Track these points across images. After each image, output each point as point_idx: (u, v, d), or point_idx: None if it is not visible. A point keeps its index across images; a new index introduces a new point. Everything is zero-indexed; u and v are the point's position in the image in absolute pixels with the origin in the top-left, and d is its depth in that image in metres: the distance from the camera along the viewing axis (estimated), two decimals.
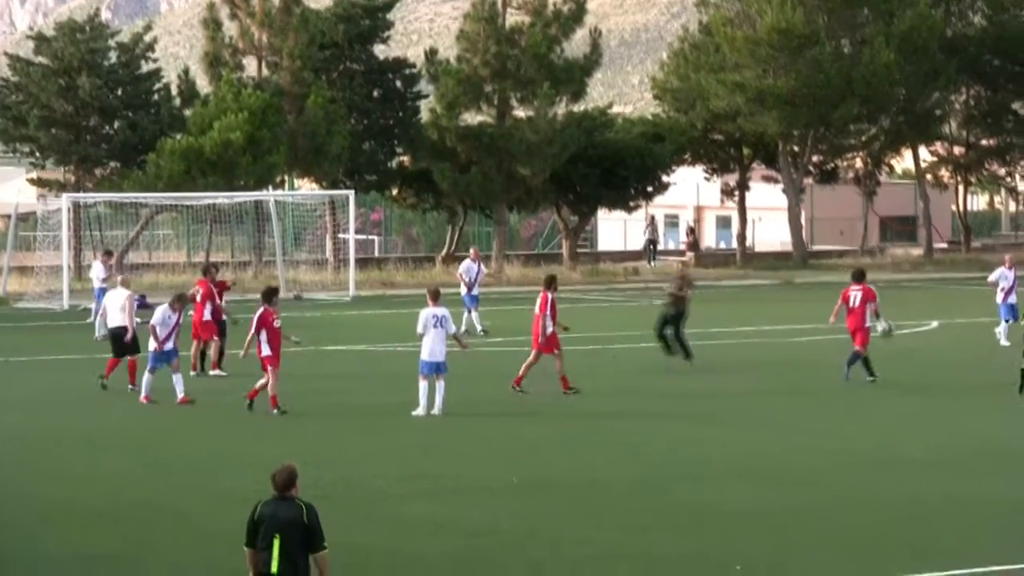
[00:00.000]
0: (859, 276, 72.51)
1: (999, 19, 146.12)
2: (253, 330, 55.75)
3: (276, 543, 22.94)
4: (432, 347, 55.72)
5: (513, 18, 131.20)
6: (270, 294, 57.98)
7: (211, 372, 66.62)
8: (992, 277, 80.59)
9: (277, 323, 56.42)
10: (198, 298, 70.65)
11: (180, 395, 58.97)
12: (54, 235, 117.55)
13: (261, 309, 56.35)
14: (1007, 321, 70.79)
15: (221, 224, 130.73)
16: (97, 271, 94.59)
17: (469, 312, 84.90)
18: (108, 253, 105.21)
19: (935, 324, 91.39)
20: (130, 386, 63.94)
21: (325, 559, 23.06)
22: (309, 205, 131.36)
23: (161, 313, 61.33)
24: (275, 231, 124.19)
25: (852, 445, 52.86)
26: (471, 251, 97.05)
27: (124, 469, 46.93)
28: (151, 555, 34.42)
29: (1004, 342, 69.28)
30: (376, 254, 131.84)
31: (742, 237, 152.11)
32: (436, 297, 57.99)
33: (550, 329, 63.04)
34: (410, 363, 58.43)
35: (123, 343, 66.02)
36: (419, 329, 56.22)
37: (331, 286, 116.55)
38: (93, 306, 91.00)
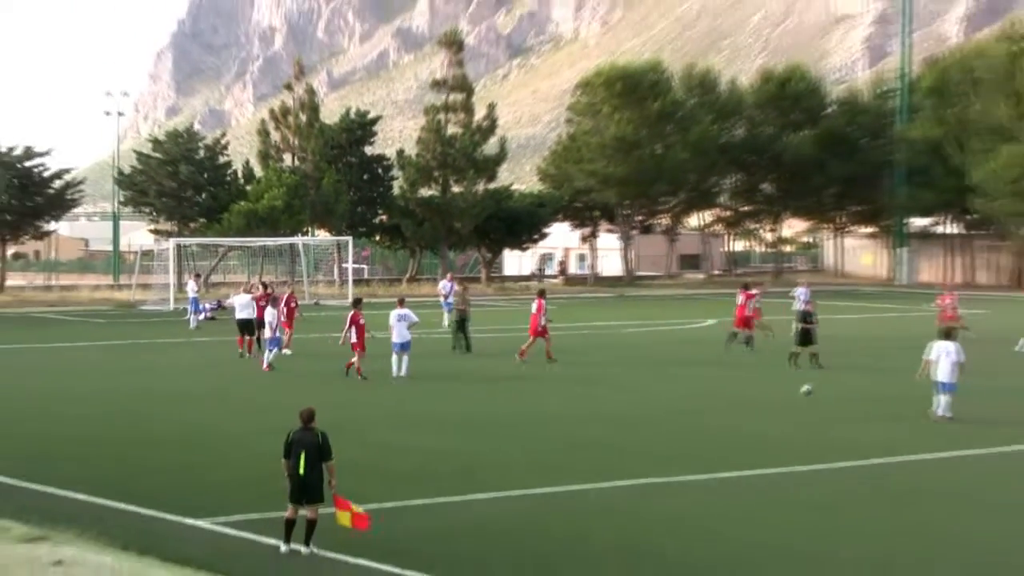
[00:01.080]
0: (745, 286, 76.88)
1: (753, 131, 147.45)
2: (347, 325, 59.80)
3: (302, 456, 26.34)
4: (398, 333, 60.13)
5: (451, 130, 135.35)
6: (357, 301, 64.13)
7: (284, 351, 67.18)
8: (794, 291, 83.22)
9: (362, 320, 60.08)
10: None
11: (264, 365, 62.49)
12: (164, 264, 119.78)
13: (352, 311, 61.02)
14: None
15: (269, 258, 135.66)
16: (191, 287, 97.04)
17: (446, 313, 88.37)
18: (198, 275, 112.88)
19: (712, 321, 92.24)
20: (243, 353, 69.09)
21: (332, 467, 26.63)
22: (323, 246, 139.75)
23: (270, 313, 64.25)
24: (303, 262, 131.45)
25: (668, 398, 55.04)
26: (448, 275, 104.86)
27: (209, 410, 49.65)
28: (220, 463, 37.02)
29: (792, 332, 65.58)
30: (365, 276, 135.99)
31: (593, 266, 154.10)
32: (401, 302, 63.22)
33: (543, 321, 67.71)
34: (387, 345, 60.19)
35: (246, 326, 70.46)
36: (391, 322, 60.22)
37: (337, 296, 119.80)
38: (189, 308, 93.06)
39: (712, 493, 34.12)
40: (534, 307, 69.57)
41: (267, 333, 63.77)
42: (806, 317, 64.35)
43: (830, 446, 41.06)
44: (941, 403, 46.03)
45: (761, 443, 41.82)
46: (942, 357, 46.17)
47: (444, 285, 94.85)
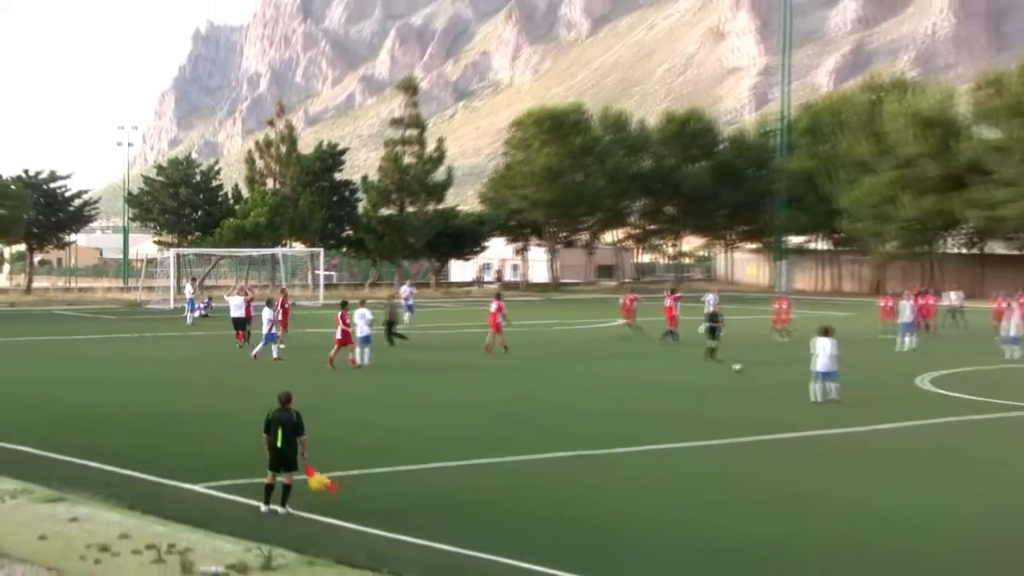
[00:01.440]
0: (672, 290, 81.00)
1: (658, 163, 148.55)
2: (338, 322, 59.42)
3: (280, 432, 26.48)
4: (360, 328, 59.66)
5: (407, 160, 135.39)
6: (344, 304, 61.65)
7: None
8: (705, 297, 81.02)
9: (347, 319, 59.59)
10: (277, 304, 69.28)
11: (274, 355, 61.85)
12: (166, 270, 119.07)
13: (340, 312, 59.93)
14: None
15: (253, 266, 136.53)
16: (188, 290, 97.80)
17: (410, 313, 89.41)
18: (194, 280, 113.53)
19: (620, 322, 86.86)
20: (241, 345, 68.65)
21: (305, 441, 26.71)
22: (299, 256, 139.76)
23: (267, 312, 63.92)
24: (282, 269, 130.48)
25: (588, 384, 53.93)
26: (408, 281, 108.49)
27: (203, 393, 49.09)
28: (212, 437, 36.69)
29: (701, 330, 65.49)
30: (334, 282, 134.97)
31: (524, 274, 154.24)
32: (363, 303, 63.63)
33: (501, 320, 68.21)
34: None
35: (238, 323, 71.30)
36: (354, 320, 59.47)
37: (311, 299, 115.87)
38: (186, 307, 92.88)
39: (628, 462, 34.02)
40: (492, 307, 69.86)
41: (264, 329, 63.23)
42: (713, 317, 64.38)
43: (725, 424, 40.46)
44: (819, 390, 46.18)
45: (666, 421, 41.56)
46: (821, 351, 46.60)
47: (405, 290, 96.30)
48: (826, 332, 48.21)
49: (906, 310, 72.36)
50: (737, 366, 51.21)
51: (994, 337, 67.83)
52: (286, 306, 70.73)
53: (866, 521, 26.78)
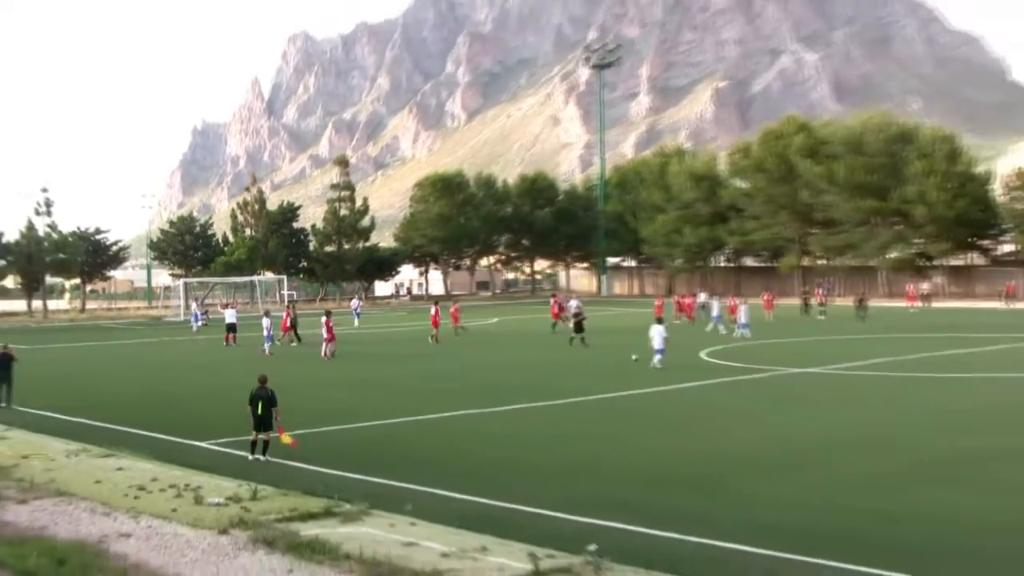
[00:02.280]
0: (554, 293, 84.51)
1: (517, 211, 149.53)
2: (324, 327, 57.34)
3: (260, 404, 26.33)
4: (323, 331, 57.51)
5: (342, 212, 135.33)
6: (328, 313, 59.70)
7: (278, 343, 64.84)
8: (569, 303, 78.30)
9: (331, 323, 57.91)
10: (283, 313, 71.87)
11: (266, 352, 60.05)
12: (177, 293, 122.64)
13: (324, 317, 58.40)
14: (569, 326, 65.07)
15: (238, 289, 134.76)
16: (193, 307, 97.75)
17: (357, 319, 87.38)
18: (196, 299, 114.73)
19: (496, 320, 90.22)
20: (228, 344, 67.18)
21: (277, 411, 26.51)
22: (269, 282, 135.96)
23: (265, 322, 63.20)
24: (258, 291, 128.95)
25: (477, 364, 54.37)
26: (356, 296, 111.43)
27: (206, 379, 48.15)
28: (213, 408, 36.28)
29: (570, 324, 64.16)
30: (294, 299, 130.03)
31: (426, 290, 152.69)
32: (328, 314, 59.24)
33: (437, 318, 67.47)
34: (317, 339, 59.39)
35: (231, 328, 69.03)
36: (321, 322, 58.56)
37: (279, 310, 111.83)
38: (192, 319, 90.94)
39: (499, 417, 33.74)
40: (432, 311, 68.86)
41: (264, 333, 62.09)
42: (578, 315, 63.58)
43: (566, 390, 39.60)
44: (656, 360, 46.24)
45: (524, 388, 40.47)
46: (656, 334, 47.09)
47: (355, 302, 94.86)
48: (660, 321, 49.32)
49: (714, 307, 72.40)
50: (635, 356, 49.07)
51: (732, 324, 67.25)
52: (293, 315, 70.40)
53: (654, 453, 27.04)
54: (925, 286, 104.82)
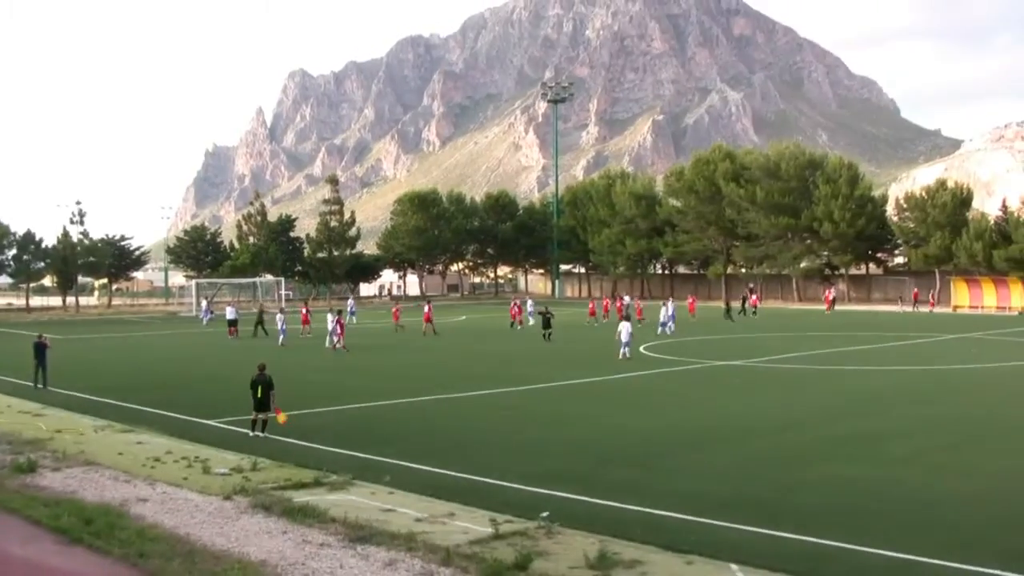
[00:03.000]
0: (513, 298, 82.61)
1: (483, 224, 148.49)
2: (335, 324, 55.18)
3: (259, 388, 26.18)
4: (331, 325, 56.48)
5: (332, 224, 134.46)
6: (339, 311, 60.65)
7: (305, 335, 64.65)
8: (528, 305, 79.91)
9: (343, 320, 57.72)
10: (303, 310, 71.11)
11: (280, 342, 58.70)
12: (190, 292, 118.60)
13: (336, 315, 57.81)
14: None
15: (242, 289, 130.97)
16: (204, 304, 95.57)
17: (352, 316, 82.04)
18: (206, 297, 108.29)
19: (464, 317, 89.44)
20: (232, 338, 65.89)
21: (273, 394, 26.21)
22: (269, 283, 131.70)
23: (279, 318, 62.13)
24: (260, 291, 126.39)
25: (443, 356, 54.15)
26: (350, 297, 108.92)
27: (214, 366, 47.89)
28: (220, 391, 35.93)
29: (531, 322, 68.29)
30: (291, 298, 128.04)
31: (404, 291, 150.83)
32: (338, 313, 59.53)
33: (430, 315, 66.83)
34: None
35: (232, 323, 68.46)
36: (328, 318, 57.71)
37: (275, 308, 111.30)
38: (203, 315, 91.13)
39: (467, 401, 33.54)
40: (426, 309, 69.03)
41: (279, 327, 60.87)
42: (546, 313, 61.98)
43: (525, 378, 39.66)
44: (624, 352, 46.39)
45: (488, 376, 40.58)
46: (623, 330, 47.45)
47: (350, 303, 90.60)
48: (627, 318, 49.73)
49: (668, 307, 66.99)
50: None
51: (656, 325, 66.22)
52: (306, 312, 70.10)
53: (599, 432, 27.23)
54: (831, 292, 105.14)
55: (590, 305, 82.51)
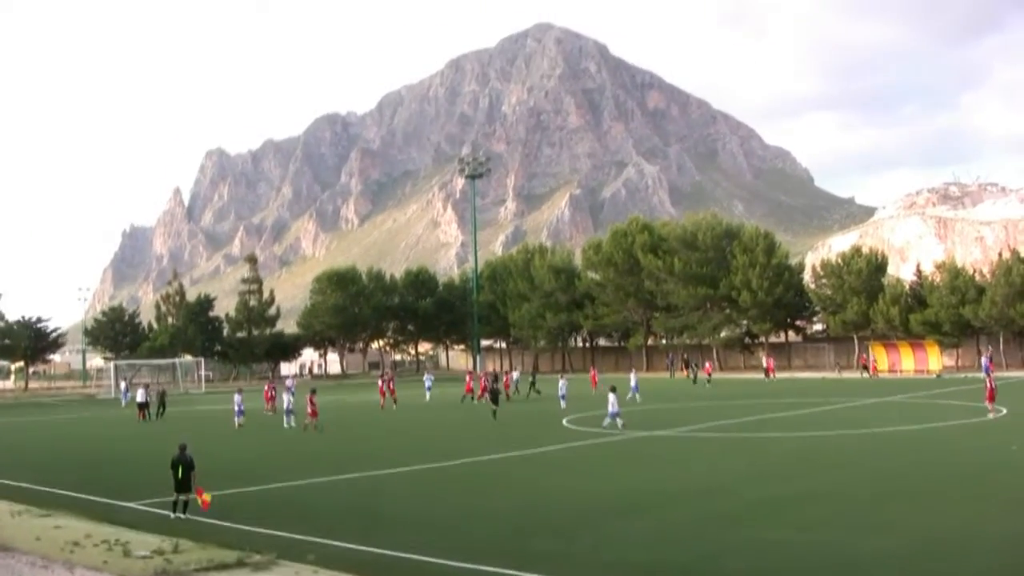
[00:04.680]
0: (470, 370, 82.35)
1: (403, 300, 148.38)
2: (308, 404, 52.56)
3: (180, 467, 26.04)
4: (287, 399, 56.40)
5: (251, 303, 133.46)
6: (313, 391, 55.87)
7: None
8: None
9: (315, 399, 53.57)
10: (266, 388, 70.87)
11: (236, 425, 56.15)
12: (108, 374, 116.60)
13: (310, 395, 54.44)
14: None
15: (161, 370, 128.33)
16: (122, 386, 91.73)
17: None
18: (124, 379, 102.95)
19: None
20: (141, 421, 63.33)
21: (194, 474, 26.03)
22: (189, 363, 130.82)
23: (237, 396, 59.06)
24: (179, 372, 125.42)
25: (396, 430, 54.59)
26: (292, 375, 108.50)
27: (133, 447, 47.97)
28: (139, 472, 36.18)
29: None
30: (210, 379, 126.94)
31: (325, 369, 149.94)
32: (313, 392, 55.65)
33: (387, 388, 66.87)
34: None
35: (141, 406, 65.84)
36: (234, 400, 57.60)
37: (197, 388, 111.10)
38: (121, 396, 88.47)
39: (394, 478, 33.21)
40: (379, 384, 69.11)
41: (286, 406, 56.83)
42: (496, 385, 61.08)
43: (450, 452, 39.81)
44: (614, 422, 45.94)
45: (412, 451, 40.42)
46: (612, 400, 46.71)
47: (289, 381, 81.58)
48: (614, 390, 48.21)
49: (631, 378, 69.39)
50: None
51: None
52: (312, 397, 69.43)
53: (528, 501, 27.18)
54: (771, 360, 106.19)
55: (467, 381, 79.13)
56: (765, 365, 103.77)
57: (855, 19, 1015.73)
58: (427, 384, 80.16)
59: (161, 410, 68.05)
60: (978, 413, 49.70)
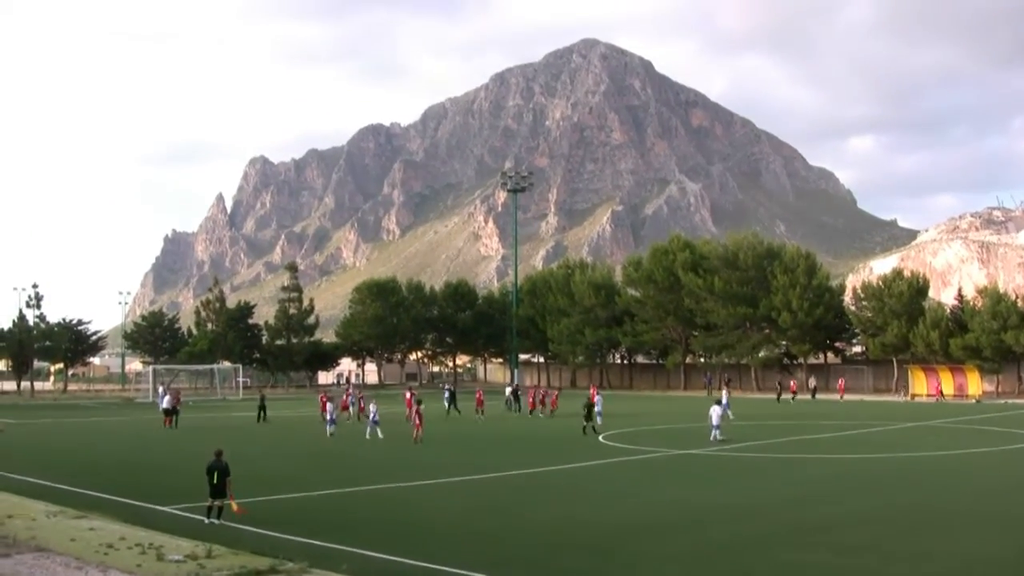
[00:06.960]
0: (536, 385, 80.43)
1: (442, 312, 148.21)
2: (343, 405, 54.16)
3: (215, 474, 26.02)
4: (329, 413, 56.25)
5: (291, 311, 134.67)
6: (419, 401, 55.44)
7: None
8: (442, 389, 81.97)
9: (421, 411, 52.29)
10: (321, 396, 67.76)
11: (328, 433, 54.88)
12: (147, 378, 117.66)
13: (418, 404, 53.76)
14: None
15: (200, 376, 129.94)
16: (160, 391, 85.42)
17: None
18: (163, 383, 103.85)
19: (423, 406, 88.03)
20: (168, 428, 63.25)
21: (230, 480, 26.08)
22: (227, 369, 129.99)
23: (331, 406, 57.87)
24: (217, 378, 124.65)
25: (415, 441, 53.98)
26: (348, 387, 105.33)
27: (169, 451, 48.69)
28: (177, 477, 36.10)
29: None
30: (248, 385, 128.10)
31: (363, 379, 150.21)
32: (419, 402, 54.83)
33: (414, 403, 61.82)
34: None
35: (167, 411, 66.04)
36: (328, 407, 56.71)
37: (233, 394, 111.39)
38: (159, 400, 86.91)
39: (426, 489, 33.23)
40: (407, 395, 67.55)
41: (328, 416, 56.39)
42: (516, 393, 62.02)
43: (486, 466, 39.83)
44: (715, 434, 48.77)
45: (449, 464, 40.50)
46: (714, 413, 49.93)
47: (351, 390, 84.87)
48: (718, 402, 51.68)
49: (723, 396, 68.78)
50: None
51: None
52: (346, 399, 70.90)
53: (562, 517, 27.05)
54: (793, 382, 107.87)
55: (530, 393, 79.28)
56: (792, 385, 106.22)
57: (907, 43, 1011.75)
58: (445, 396, 79.43)
59: (263, 414, 69.22)
60: (1019, 440, 49.50)
